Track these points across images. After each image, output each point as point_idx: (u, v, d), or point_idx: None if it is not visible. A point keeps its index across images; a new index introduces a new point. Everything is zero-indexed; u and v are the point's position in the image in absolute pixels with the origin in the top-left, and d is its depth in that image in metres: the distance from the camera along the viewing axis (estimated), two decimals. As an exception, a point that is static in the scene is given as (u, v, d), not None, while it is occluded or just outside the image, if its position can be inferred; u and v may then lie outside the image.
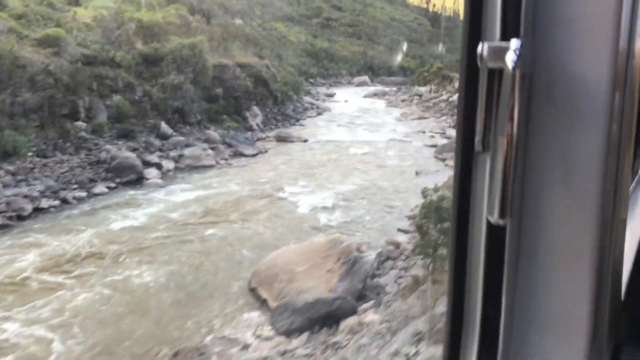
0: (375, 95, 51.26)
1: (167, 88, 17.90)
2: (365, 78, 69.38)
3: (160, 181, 15.14)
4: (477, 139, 0.76)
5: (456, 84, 40.41)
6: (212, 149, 17.99)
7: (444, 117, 32.17)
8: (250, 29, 61.49)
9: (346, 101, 45.92)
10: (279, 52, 49.77)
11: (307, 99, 39.12)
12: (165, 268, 10.44)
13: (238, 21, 59.88)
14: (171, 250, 11.44)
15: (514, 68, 0.68)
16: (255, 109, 24.00)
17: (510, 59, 0.68)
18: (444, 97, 38.30)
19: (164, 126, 17.40)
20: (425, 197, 6.66)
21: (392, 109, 40.01)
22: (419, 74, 52.19)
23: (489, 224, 0.78)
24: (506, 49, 0.70)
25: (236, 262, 10.68)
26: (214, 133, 19.25)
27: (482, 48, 0.72)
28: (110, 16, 19.53)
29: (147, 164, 15.72)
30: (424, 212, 6.41)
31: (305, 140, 22.89)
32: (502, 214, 0.72)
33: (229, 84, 22.82)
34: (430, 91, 44.44)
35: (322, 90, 53.26)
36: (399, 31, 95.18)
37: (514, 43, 0.70)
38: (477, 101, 0.75)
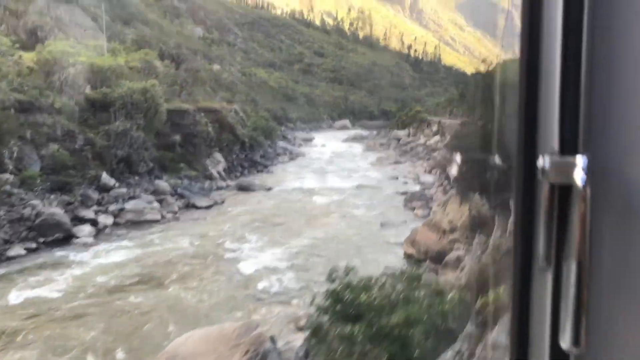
0: (354, 139, 50.31)
1: (112, 135, 16.51)
2: (346, 122, 68.79)
3: (91, 240, 13.51)
4: (540, 254, 0.75)
5: (434, 128, 39.62)
6: (160, 201, 16.47)
7: (420, 162, 31.00)
8: (229, 74, 61.02)
9: (323, 145, 44.89)
10: (254, 97, 48.91)
11: (281, 143, 37.98)
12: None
13: (216, 67, 59.39)
14: (81, 327, 9.74)
15: (584, 186, 0.67)
16: (218, 155, 22.64)
17: (579, 176, 0.68)
18: (422, 140, 37.31)
19: (105, 177, 15.87)
20: (332, 280, 5.20)
21: (368, 153, 38.93)
22: (398, 117, 51.55)
23: (554, 346, 0.74)
24: (571, 165, 0.70)
25: (155, 345, 9.00)
26: (163, 183, 17.75)
27: (544, 162, 0.72)
28: (55, 60, 18.30)
29: (81, 220, 14.14)
30: (326, 304, 4.94)
31: (269, 189, 21.45)
32: (575, 342, 0.68)
33: (188, 130, 21.51)
34: (408, 135, 43.56)
35: (301, 134, 52.29)
36: (380, 76, 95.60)
37: (580, 160, 0.69)
38: (534, 213, 0.76)
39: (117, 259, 13.22)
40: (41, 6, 48.57)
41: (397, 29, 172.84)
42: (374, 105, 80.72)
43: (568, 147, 0.70)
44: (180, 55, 34.58)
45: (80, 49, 24.75)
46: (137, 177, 17.56)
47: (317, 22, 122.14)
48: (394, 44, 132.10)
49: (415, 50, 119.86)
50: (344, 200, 19.69)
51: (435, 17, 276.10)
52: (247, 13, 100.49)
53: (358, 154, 37.92)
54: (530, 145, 0.75)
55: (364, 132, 57.63)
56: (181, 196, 17.70)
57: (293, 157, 33.09)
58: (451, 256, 9.55)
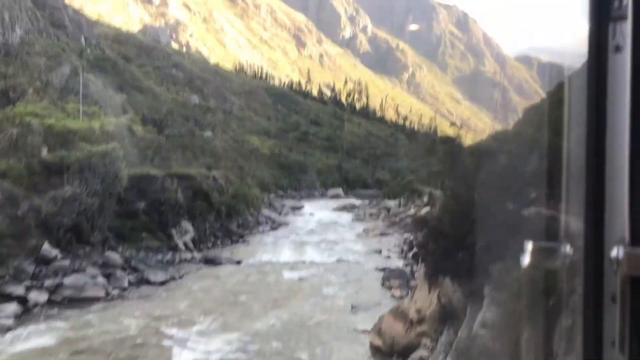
0: (344, 208, 48.88)
1: (59, 201, 15.08)
2: (339, 190, 67.65)
3: (12, 322, 11.75)
4: (616, 343, 0.75)
5: (425, 198, 38.30)
6: (107, 275, 14.81)
7: (407, 234, 29.42)
8: (220, 141, 60.47)
9: (312, 214, 43.42)
10: (242, 164, 47.94)
11: (266, 212, 36.52)
12: None
13: (207, 133, 58.95)
14: None
15: None
16: (186, 224, 21.13)
17: None
18: (412, 211, 35.87)
19: (45, 248, 14.29)
20: None
21: (357, 223, 37.40)
22: (390, 187, 50.44)
23: None
24: None
25: None
26: (115, 255, 16.13)
27: (618, 253, 0.73)
28: (8, 120, 17.18)
29: (7, 298, 12.46)
30: None
31: (239, 262, 19.76)
32: None
33: (154, 196, 20.12)
34: (399, 205, 42.22)
35: (291, 202, 50.90)
36: (375, 145, 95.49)
37: None
38: (602, 301, 0.77)
39: (42, 344, 11.41)
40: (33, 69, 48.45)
41: (394, 101, 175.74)
42: (369, 174, 79.95)
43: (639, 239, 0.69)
44: (163, 121, 33.77)
45: (53, 111, 23.80)
46: (87, 248, 15.98)
47: (315, 93, 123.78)
48: (390, 115, 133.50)
49: (411, 122, 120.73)
50: (318, 277, 17.97)
51: (432, 91, 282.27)
52: (244, 82, 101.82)
53: (346, 224, 36.36)
54: (598, 235, 0.76)
55: (357, 201, 56.25)
56: (134, 270, 16.04)
57: (275, 226, 31.53)
58: (414, 356, 7.84)
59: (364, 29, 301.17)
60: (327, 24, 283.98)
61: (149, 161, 22.88)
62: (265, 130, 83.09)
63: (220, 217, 25.67)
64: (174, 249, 19.25)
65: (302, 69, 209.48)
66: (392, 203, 44.66)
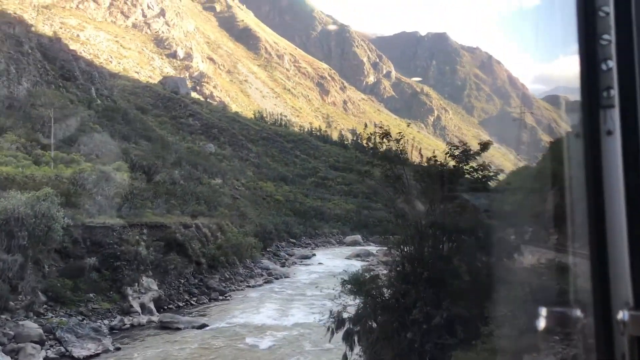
0: (357, 256, 45.44)
1: (-36, 260, 12.56)
2: (358, 237, 64.16)
3: None
4: None
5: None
6: (15, 351, 11.98)
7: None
8: (230, 187, 58.26)
9: (320, 263, 40.26)
10: (247, 211, 45.31)
11: (266, 262, 33.52)
12: None
13: (216, 181, 56.86)
14: None
15: None
16: (149, 281, 18.30)
17: None
18: (425, 258, 32.44)
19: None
20: None
21: (367, 274, 34.03)
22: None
23: None
24: None
25: None
26: (32, 324, 13.33)
27: (624, 316, 0.80)
28: None
29: None
30: None
31: (202, 326, 16.69)
32: None
33: (109, 250, 17.47)
34: (415, 251, 38.70)
35: (302, 251, 47.79)
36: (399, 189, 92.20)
37: None
38: None
39: None
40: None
41: (419, 144, 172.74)
42: (390, 219, 75.98)
43: None
44: (152, 167, 31.51)
45: (15, 159, 21.66)
46: (5, 316, 13.24)
47: (335, 138, 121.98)
48: (415, 158, 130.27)
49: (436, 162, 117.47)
50: (287, 345, 14.76)
51: (459, 133, 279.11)
52: (262, 129, 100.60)
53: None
54: (605, 300, 0.81)
55: (375, 248, 52.75)
56: (59, 341, 13.19)
57: (271, 279, 28.41)
58: None
59: (388, 75, 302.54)
60: (350, 71, 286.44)
61: (114, 210, 20.35)
62: (281, 176, 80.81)
63: (200, 272, 22.77)
64: (126, 312, 16.38)
65: (325, 115, 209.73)
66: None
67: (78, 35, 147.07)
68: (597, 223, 0.83)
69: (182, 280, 21.26)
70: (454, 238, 10.20)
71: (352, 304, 10.74)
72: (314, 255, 46.00)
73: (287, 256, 41.40)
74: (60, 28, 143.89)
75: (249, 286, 25.69)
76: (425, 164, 13.01)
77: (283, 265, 36.69)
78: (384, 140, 14.90)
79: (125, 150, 43.01)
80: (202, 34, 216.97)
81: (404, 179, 11.08)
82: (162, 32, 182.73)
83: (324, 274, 32.72)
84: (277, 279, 29.23)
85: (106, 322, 15.47)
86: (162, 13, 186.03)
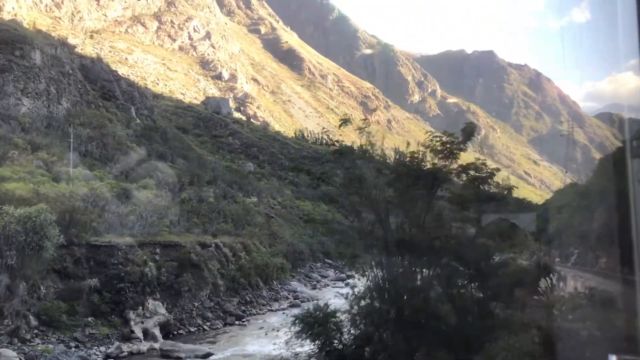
0: (395, 278, 43.42)
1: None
2: (398, 258, 61.97)
3: None
4: None
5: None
6: (-14, 382, 10.90)
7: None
8: (266, 206, 57.22)
9: (354, 287, 38.47)
10: (279, 230, 43.97)
11: (295, 284, 32.03)
12: None
13: (251, 199, 55.97)
14: None
15: None
16: (155, 304, 17.08)
17: None
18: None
19: None
20: None
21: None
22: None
23: None
24: None
25: None
26: (10, 352, 12.17)
27: None
28: None
29: None
30: None
31: (206, 356, 15.28)
32: None
33: (113, 270, 16.39)
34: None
35: (338, 274, 45.98)
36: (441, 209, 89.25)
37: None
38: None
39: None
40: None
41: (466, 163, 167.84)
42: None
43: None
44: (177, 185, 30.67)
45: (25, 174, 21.06)
46: (-13, 341, 12.23)
47: (377, 156, 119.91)
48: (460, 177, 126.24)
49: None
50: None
51: (507, 152, 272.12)
52: (302, 148, 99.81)
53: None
54: None
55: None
56: (40, 372, 12.05)
57: (297, 302, 26.82)
58: None
59: (433, 93, 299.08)
60: (394, 90, 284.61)
61: (126, 228, 19.36)
62: (320, 196, 79.34)
63: (217, 294, 21.45)
64: (126, 337, 15.17)
65: (370, 134, 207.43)
66: (447, 272, 38.91)
67: (126, 59, 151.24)
68: None
69: (196, 304, 19.99)
70: (432, 262, 7.71)
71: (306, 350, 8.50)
72: (351, 277, 44.18)
73: (319, 278, 39.75)
74: (110, 51, 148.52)
75: (271, 310, 24.20)
76: (395, 160, 10.49)
77: (314, 288, 35.09)
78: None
79: (157, 168, 42.61)
80: (247, 56, 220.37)
81: (368, 181, 8.73)
82: (208, 54, 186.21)
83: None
84: (303, 302, 27.61)
85: (102, 349, 14.29)
86: (208, 36, 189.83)
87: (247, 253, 27.60)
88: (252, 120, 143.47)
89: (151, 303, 16.87)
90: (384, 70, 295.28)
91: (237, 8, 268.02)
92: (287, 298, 26.99)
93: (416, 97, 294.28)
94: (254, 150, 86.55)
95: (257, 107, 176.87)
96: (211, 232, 25.45)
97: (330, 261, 53.40)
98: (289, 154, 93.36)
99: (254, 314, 22.60)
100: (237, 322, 20.38)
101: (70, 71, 56.21)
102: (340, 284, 40.14)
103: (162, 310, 17.14)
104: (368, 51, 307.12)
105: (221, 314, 20.23)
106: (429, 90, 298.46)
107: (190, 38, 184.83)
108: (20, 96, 47.76)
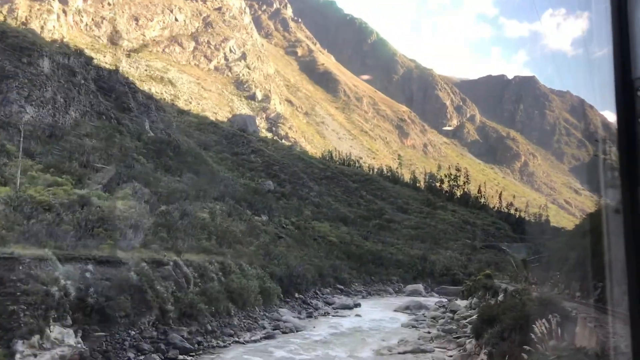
0: (407, 308, 39.04)
1: None
2: (419, 286, 57.15)
3: None
4: None
5: (500, 296, 28.22)
6: None
7: (456, 350, 19.74)
8: (276, 226, 53.94)
9: (358, 315, 34.40)
10: (280, 251, 40.42)
11: (284, 311, 28.38)
12: None
13: (260, 217, 52.77)
14: None
15: None
16: (63, 333, 13.79)
17: None
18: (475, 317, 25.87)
19: None
20: None
21: (405, 330, 27.97)
22: (468, 283, 40.06)
23: None
24: None
25: None
26: None
27: None
28: None
29: None
30: None
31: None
32: None
33: (9, 289, 13.28)
34: (469, 306, 32.00)
35: (343, 299, 42.01)
36: (471, 235, 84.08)
37: None
38: None
39: None
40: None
41: (505, 191, 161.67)
42: (460, 267, 68.42)
43: None
44: (156, 197, 27.67)
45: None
46: None
47: (407, 179, 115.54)
48: (495, 204, 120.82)
49: (517, 209, 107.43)
50: None
51: (547, 180, 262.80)
52: (327, 168, 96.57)
53: (388, 332, 27.06)
54: None
55: (433, 300, 45.92)
56: None
57: (275, 333, 23.07)
58: None
59: (472, 118, 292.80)
60: (432, 114, 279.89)
61: (53, 239, 16.27)
62: (341, 217, 75.64)
63: (165, 321, 18.03)
64: (4, 376, 11.96)
65: (405, 158, 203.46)
66: (462, 304, 34.48)
67: (162, 77, 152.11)
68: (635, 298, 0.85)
69: (134, 332, 16.62)
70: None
71: None
72: (358, 305, 40.10)
73: (321, 305, 35.92)
74: (146, 70, 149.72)
75: (237, 342, 20.57)
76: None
77: (310, 316, 31.30)
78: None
79: (149, 182, 39.91)
80: (282, 77, 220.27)
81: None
82: (243, 74, 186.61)
83: (350, 329, 27.09)
84: (285, 332, 23.90)
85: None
86: (244, 57, 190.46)
87: (224, 274, 24.17)
88: (283, 140, 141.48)
89: (57, 331, 13.65)
90: (421, 94, 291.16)
91: (275, 30, 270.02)
92: (264, 328, 23.31)
93: (454, 122, 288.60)
94: (275, 169, 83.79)
95: (289, 128, 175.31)
96: (178, 249, 22.18)
97: (342, 287, 49.47)
98: (313, 174, 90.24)
99: (213, 347, 19.03)
100: (180, 357, 16.88)
101: (83, 81, 54.69)
102: (346, 312, 36.21)
103: (72, 340, 13.87)
104: (407, 74, 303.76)
105: (162, 346, 16.81)
106: (468, 115, 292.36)
107: (226, 58, 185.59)
108: (23, 103, 46.21)
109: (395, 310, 38.57)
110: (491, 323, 14.54)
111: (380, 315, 35.24)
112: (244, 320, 23.18)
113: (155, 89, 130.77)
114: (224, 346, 19.63)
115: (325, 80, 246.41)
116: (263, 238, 43.54)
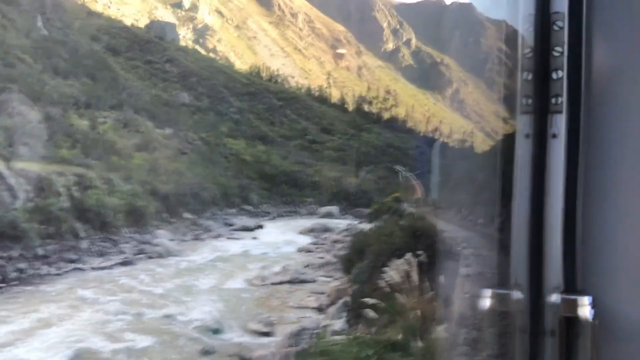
0: (311, 231, 36.79)
1: None
2: (333, 209, 55.22)
3: None
4: None
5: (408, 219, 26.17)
6: None
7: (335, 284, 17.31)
8: (181, 141, 49.59)
9: (255, 238, 31.79)
10: (177, 167, 36.60)
11: (162, 233, 25.02)
12: None
13: (165, 131, 48.25)
14: None
15: (593, 322, 0.92)
16: None
17: (588, 312, 0.93)
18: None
19: None
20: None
21: (298, 255, 25.53)
22: (373, 207, 38.07)
23: None
24: (578, 301, 0.94)
25: None
26: None
27: (555, 299, 0.98)
28: None
29: None
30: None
31: None
32: None
33: None
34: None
35: (245, 220, 39.17)
36: (394, 158, 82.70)
37: (587, 300, 0.94)
38: (544, 336, 0.99)
39: None
40: None
41: (435, 118, 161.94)
42: (378, 191, 66.57)
43: (571, 285, 0.96)
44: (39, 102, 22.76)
45: None
46: None
47: (335, 100, 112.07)
48: (422, 129, 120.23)
49: (440, 133, 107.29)
50: None
51: (477, 108, 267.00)
52: (251, 83, 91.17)
53: (269, 259, 24.36)
54: (540, 284, 1.00)
55: (345, 222, 43.82)
56: None
57: (135, 259, 19.73)
58: None
59: (408, 43, 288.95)
60: (368, 36, 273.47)
61: None
62: (260, 136, 71.82)
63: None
64: None
65: (338, 80, 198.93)
66: (368, 227, 32.42)
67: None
68: (537, 215, 0.96)
69: None
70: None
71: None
72: (260, 227, 37.44)
73: (215, 227, 32.85)
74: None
75: (79, 269, 17.09)
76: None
77: (197, 239, 28.17)
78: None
79: (31, 84, 34.36)
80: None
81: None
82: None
83: (236, 255, 24.22)
84: (151, 257, 20.62)
85: None
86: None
87: (80, 190, 20.20)
88: (211, 54, 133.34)
89: None
90: (359, 15, 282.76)
91: None
92: (123, 253, 19.88)
93: (390, 45, 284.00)
94: (193, 81, 77.82)
95: (218, 41, 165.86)
96: (7, 156, 17.95)
97: (250, 208, 46.63)
98: (235, 88, 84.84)
99: (40, 275, 15.47)
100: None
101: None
102: (244, 234, 33.43)
103: None
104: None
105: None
106: (404, 39, 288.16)
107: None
108: None
109: (300, 233, 36.20)
110: (361, 255, 11.68)
111: (280, 238, 32.68)
112: (99, 244, 19.64)
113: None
114: (57, 274, 16.10)
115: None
116: (160, 152, 39.29)
